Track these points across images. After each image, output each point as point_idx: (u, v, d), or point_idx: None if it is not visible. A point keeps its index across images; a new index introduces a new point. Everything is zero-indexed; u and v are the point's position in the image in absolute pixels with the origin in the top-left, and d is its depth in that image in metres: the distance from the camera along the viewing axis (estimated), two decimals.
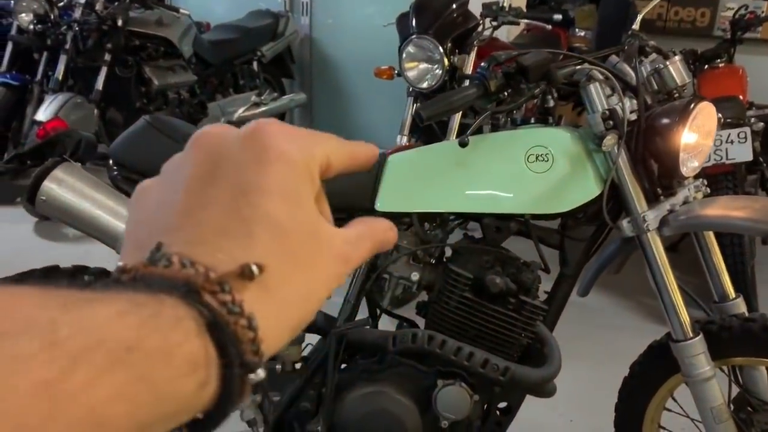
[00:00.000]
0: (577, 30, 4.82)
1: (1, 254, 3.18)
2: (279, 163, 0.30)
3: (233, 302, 0.26)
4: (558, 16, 2.70)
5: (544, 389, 1.27)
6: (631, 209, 1.25)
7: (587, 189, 1.25)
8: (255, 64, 4.64)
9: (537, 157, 1.25)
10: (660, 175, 1.29)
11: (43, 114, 3.34)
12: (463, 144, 1.20)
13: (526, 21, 2.69)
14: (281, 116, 5.10)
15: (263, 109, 4.45)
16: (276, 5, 5.18)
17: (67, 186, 1.22)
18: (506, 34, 4.12)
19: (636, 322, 2.78)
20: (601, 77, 1.25)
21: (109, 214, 1.23)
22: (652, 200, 1.28)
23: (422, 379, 1.30)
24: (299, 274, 0.29)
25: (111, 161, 1.32)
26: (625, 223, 1.26)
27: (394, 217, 1.33)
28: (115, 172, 1.31)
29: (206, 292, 0.26)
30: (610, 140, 1.20)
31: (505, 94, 1.22)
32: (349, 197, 1.31)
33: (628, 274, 1.59)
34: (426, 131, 2.88)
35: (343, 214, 1.32)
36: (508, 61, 1.20)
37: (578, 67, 1.26)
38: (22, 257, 3.16)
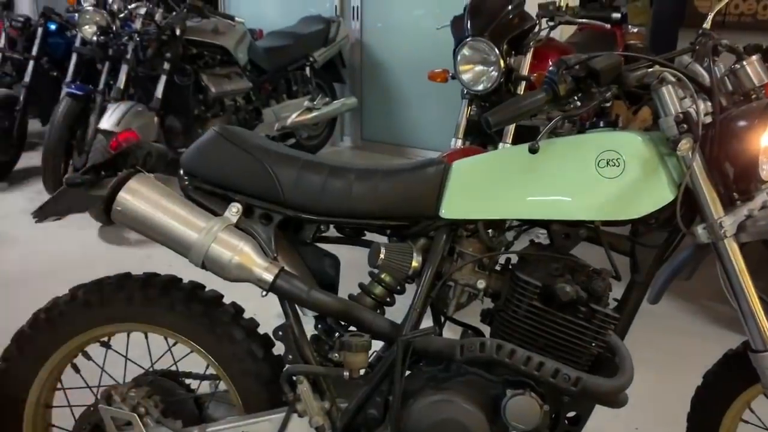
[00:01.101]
0: (629, 26, 4.71)
1: (69, 257, 3.31)
2: None
3: None
4: (617, 15, 2.64)
5: (616, 400, 1.24)
6: (706, 215, 1.21)
7: (660, 194, 1.22)
8: (307, 70, 4.69)
9: (608, 162, 1.22)
10: (736, 179, 1.24)
11: (106, 122, 3.45)
12: (533, 150, 1.19)
13: (582, 21, 2.64)
14: (333, 120, 5.15)
15: (315, 113, 4.50)
16: (326, 10, 5.24)
17: (141, 196, 1.26)
18: (559, 33, 4.06)
19: (702, 327, 2.70)
20: (673, 79, 1.21)
21: (182, 224, 1.26)
22: (728, 205, 1.23)
23: (490, 388, 1.28)
24: None
25: (182, 171, 1.35)
26: (700, 230, 1.22)
27: (459, 225, 1.32)
28: (186, 182, 1.34)
29: None
30: (685, 144, 1.16)
31: (575, 98, 1.20)
32: (413, 205, 1.31)
33: (693, 278, 1.54)
34: (481, 134, 2.87)
35: (407, 222, 1.33)
36: (578, 65, 1.18)
37: (650, 69, 1.23)
38: (89, 259, 3.29)
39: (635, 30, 4.72)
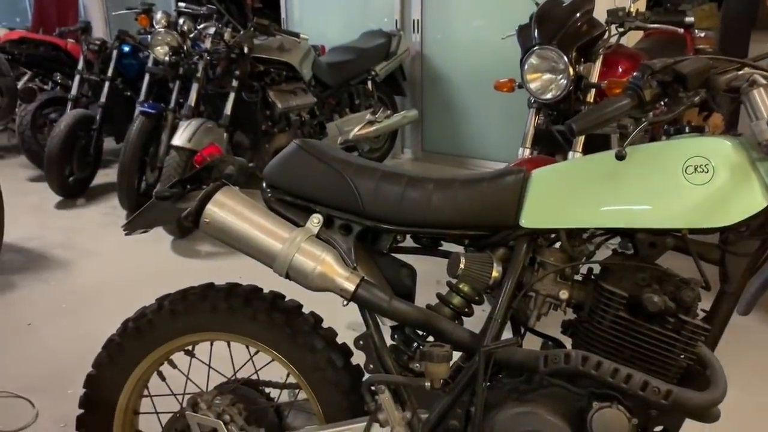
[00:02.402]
0: (696, 31, 4.57)
1: (144, 269, 3.43)
2: None
3: None
4: (690, 19, 2.57)
5: (709, 414, 1.20)
6: None
7: (752, 201, 1.17)
8: (369, 84, 4.74)
9: (696, 169, 1.19)
10: None
11: (179, 139, 3.57)
12: (620, 157, 1.16)
13: (653, 26, 2.58)
14: (394, 133, 5.18)
15: (377, 126, 4.53)
16: (387, 24, 5.29)
17: (228, 209, 1.29)
18: (626, 40, 3.98)
19: None
20: (764, 81, 1.17)
21: (266, 235, 1.29)
22: None
23: (575, 401, 1.26)
24: None
25: (265, 184, 1.38)
26: None
27: (540, 234, 1.31)
28: (269, 194, 1.37)
29: None
30: None
31: (661, 103, 1.17)
32: (493, 214, 1.30)
33: None
34: (549, 143, 2.83)
35: (487, 231, 1.32)
36: (664, 70, 1.15)
37: (739, 72, 1.19)
38: (162, 272, 3.40)
39: (702, 34, 4.58)
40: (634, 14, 2.62)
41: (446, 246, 1.43)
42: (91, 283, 3.29)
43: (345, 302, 1.31)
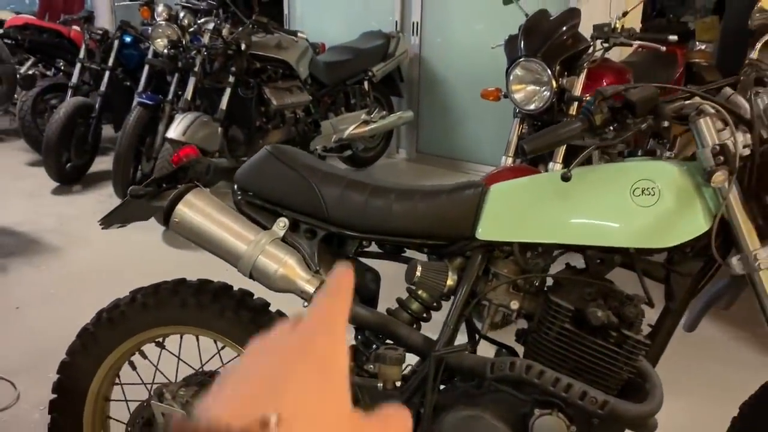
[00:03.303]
0: (697, 43, 4.61)
1: (135, 258, 3.49)
2: None
3: None
4: (673, 38, 2.62)
5: (644, 424, 1.26)
6: (741, 246, 1.22)
7: (695, 224, 1.23)
8: (366, 84, 4.79)
9: (643, 191, 1.25)
10: None
11: (173, 132, 3.63)
12: (565, 178, 1.22)
13: (637, 43, 2.63)
14: (389, 133, 5.23)
15: (372, 126, 4.60)
16: (388, 24, 5.34)
17: (197, 209, 1.36)
18: (619, 52, 4.02)
19: (750, 356, 2.63)
20: (712, 111, 1.23)
21: (233, 236, 1.35)
22: (767, 237, 1.24)
23: (519, 407, 1.32)
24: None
25: (235, 186, 1.44)
26: (734, 261, 1.23)
27: (495, 246, 1.37)
28: (239, 197, 1.43)
29: None
30: (719, 176, 1.17)
31: (611, 128, 1.23)
32: (451, 226, 1.36)
33: (744, 301, 1.53)
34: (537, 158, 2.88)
35: (445, 241, 1.38)
36: (615, 96, 1.21)
37: (688, 102, 1.24)
38: (152, 261, 3.46)
39: (703, 47, 4.62)
40: (619, 30, 2.67)
41: (409, 253, 1.49)
42: (81, 269, 3.36)
43: (305, 304, 1.37)
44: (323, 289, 0.40)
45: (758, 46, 1.49)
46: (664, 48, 2.57)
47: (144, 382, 1.59)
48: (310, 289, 1.34)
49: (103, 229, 1.52)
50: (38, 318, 2.85)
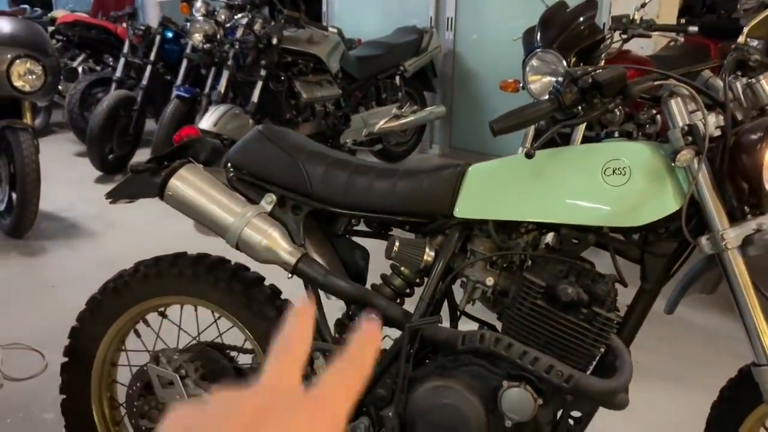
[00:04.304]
0: (748, 40, 4.49)
1: (167, 244, 3.63)
2: None
3: None
4: (693, 29, 2.59)
5: (613, 400, 1.27)
6: (710, 226, 1.23)
7: (665, 204, 1.25)
8: (397, 79, 4.85)
9: (614, 171, 1.27)
10: (749, 193, 1.25)
11: (205, 123, 3.76)
12: (528, 156, 1.26)
13: (654, 33, 2.61)
14: (422, 127, 5.27)
15: (403, 121, 4.64)
16: (424, 20, 5.38)
17: (189, 183, 1.44)
18: (653, 46, 3.96)
19: (737, 342, 2.55)
20: (685, 92, 1.24)
21: (221, 209, 1.43)
22: (739, 218, 1.24)
23: (491, 380, 1.35)
24: None
25: (228, 164, 1.52)
26: (703, 240, 1.24)
27: (473, 225, 1.41)
28: (231, 174, 1.51)
29: None
30: (684, 155, 1.19)
31: (579, 108, 1.25)
32: (430, 204, 1.41)
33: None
34: (548, 143, 2.88)
35: (425, 219, 1.43)
36: (583, 77, 1.24)
37: (663, 82, 1.26)
38: (183, 247, 3.59)
39: (755, 44, 4.49)
40: (638, 21, 2.65)
41: (398, 232, 1.54)
42: (115, 254, 3.52)
43: (289, 276, 1.44)
44: (344, 354, 0.39)
45: (746, 30, 1.48)
46: (681, 38, 2.54)
47: (147, 349, 1.69)
48: (292, 260, 1.41)
49: (110, 203, 1.63)
50: (71, 296, 3.00)
